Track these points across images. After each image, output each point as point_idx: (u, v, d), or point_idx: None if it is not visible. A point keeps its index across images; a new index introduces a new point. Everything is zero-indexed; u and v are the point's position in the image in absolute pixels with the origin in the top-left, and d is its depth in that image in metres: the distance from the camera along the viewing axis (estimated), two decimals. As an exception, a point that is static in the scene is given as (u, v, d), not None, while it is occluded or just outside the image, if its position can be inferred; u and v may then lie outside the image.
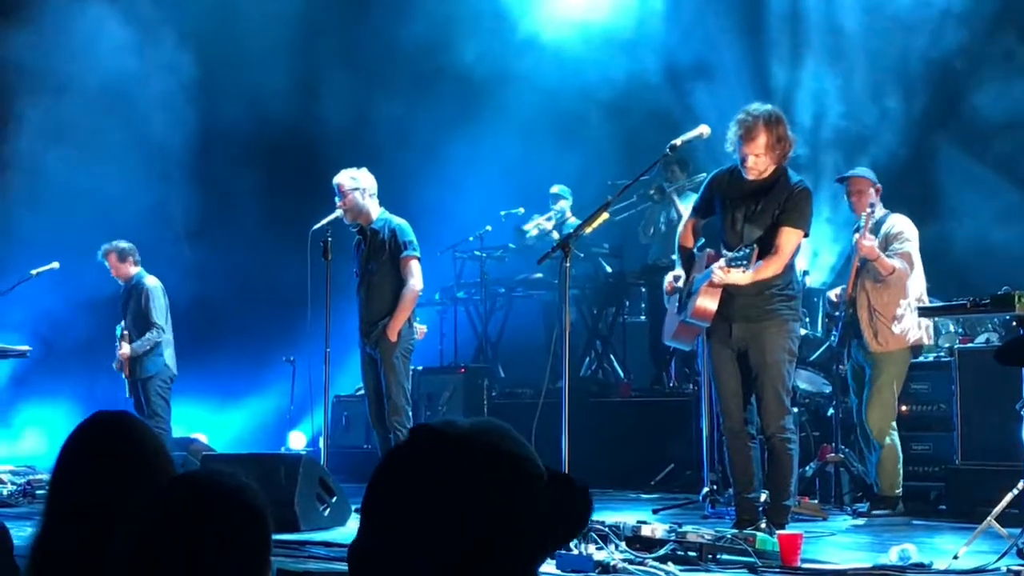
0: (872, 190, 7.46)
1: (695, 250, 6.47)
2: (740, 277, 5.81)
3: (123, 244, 9.91)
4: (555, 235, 10.85)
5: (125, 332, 9.71)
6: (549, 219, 11.04)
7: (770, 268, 5.90)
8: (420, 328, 8.18)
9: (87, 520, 2.36)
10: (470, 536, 1.41)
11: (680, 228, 6.53)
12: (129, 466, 2.42)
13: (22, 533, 2.77)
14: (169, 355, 9.81)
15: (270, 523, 2.01)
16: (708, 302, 5.98)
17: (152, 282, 9.83)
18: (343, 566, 5.77)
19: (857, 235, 7.36)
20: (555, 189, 11.24)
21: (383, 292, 7.81)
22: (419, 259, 7.84)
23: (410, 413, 7.85)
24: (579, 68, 11.79)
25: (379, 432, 7.98)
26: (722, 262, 5.82)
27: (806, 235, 6.15)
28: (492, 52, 11.93)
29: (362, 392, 8.66)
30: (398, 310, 7.74)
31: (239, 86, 12.55)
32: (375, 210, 7.93)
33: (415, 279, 7.78)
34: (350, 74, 12.74)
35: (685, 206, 9.82)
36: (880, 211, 7.50)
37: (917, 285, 7.49)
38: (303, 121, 12.78)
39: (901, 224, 7.47)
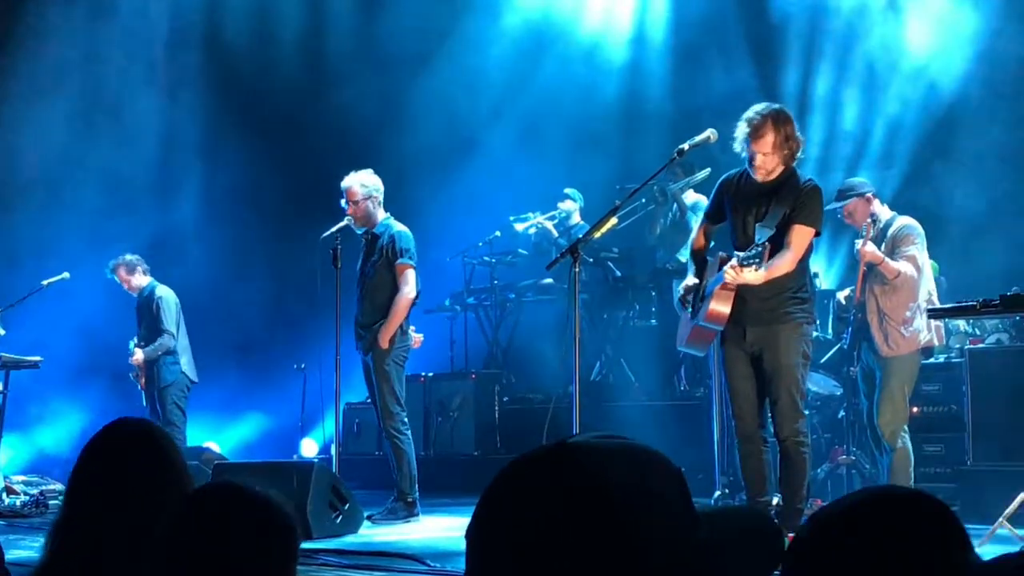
0: (864, 202, 7.39)
1: (707, 255, 6.46)
2: (753, 276, 5.73)
3: (129, 256, 9.96)
4: (554, 233, 10.83)
5: (140, 342, 9.81)
6: (551, 218, 10.98)
7: (783, 265, 5.85)
8: (416, 337, 8.12)
9: (103, 524, 2.37)
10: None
11: (692, 235, 6.49)
12: (147, 472, 2.43)
13: (35, 543, 2.78)
14: (186, 362, 9.87)
15: (298, 535, 2.01)
16: (721, 305, 5.94)
17: (164, 291, 9.91)
18: (356, 574, 5.73)
19: (859, 241, 7.31)
20: (567, 191, 11.17)
21: (378, 298, 7.82)
22: (415, 268, 7.82)
23: (405, 418, 7.83)
24: (586, 73, 11.80)
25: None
26: (734, 262, 5.76)
27: (818, 233, 6.11)
28: (503, 60, 11.96)
29: (372, 400, 8.66)
30: (390, 317, 7.74)
31: (254, 80, 12.62)
32: (380, 215, 7.96)
33: (408, 286, 7.78)
34: (364, 73, 12.77)
35: (687, 204, 9.83)
36: (887, 213, 7.45)
37: (926, 286, 7.44)
38: (316, 125, 12.80)
39: (907, 227, 7.42)
